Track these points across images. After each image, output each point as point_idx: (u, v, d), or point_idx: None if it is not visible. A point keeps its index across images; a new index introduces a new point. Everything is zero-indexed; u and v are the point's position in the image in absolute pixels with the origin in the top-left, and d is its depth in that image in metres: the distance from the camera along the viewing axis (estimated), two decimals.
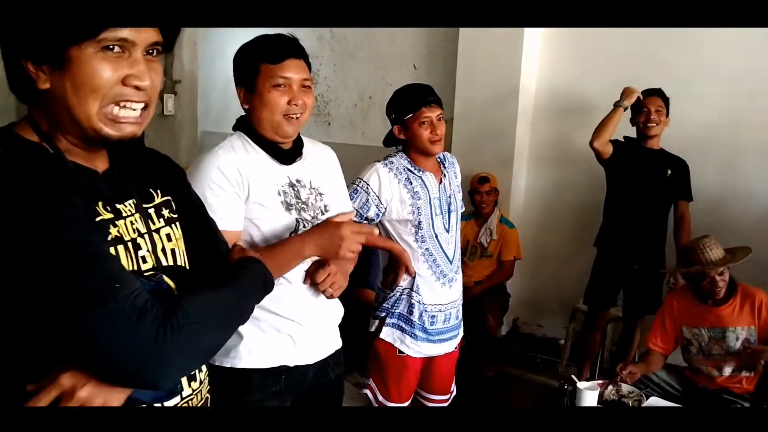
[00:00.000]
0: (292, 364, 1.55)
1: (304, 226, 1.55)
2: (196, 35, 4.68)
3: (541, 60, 3.80)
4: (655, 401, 2.15)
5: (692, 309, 2.57)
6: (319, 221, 1.57)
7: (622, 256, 3.09)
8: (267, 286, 1.13)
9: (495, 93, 3.77)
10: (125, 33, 0.88)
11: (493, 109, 3.79)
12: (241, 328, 1.42)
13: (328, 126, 4.79)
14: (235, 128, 1.59)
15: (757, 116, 3.20)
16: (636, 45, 3.45)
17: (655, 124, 2.98)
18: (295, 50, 1.51)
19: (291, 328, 1.53)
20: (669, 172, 3.03)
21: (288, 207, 1.53)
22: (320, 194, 1.60)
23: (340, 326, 1.72)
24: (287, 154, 1.56)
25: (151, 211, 1.04)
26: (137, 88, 0.91)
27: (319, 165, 1.64)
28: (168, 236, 1.05)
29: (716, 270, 2.41)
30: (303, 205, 1.56)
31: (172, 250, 1.05)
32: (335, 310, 1.67)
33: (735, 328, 2.49)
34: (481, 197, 3.62)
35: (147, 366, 0.84)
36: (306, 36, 4.80)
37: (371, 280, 2.93)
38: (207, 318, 0.92)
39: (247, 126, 1.55)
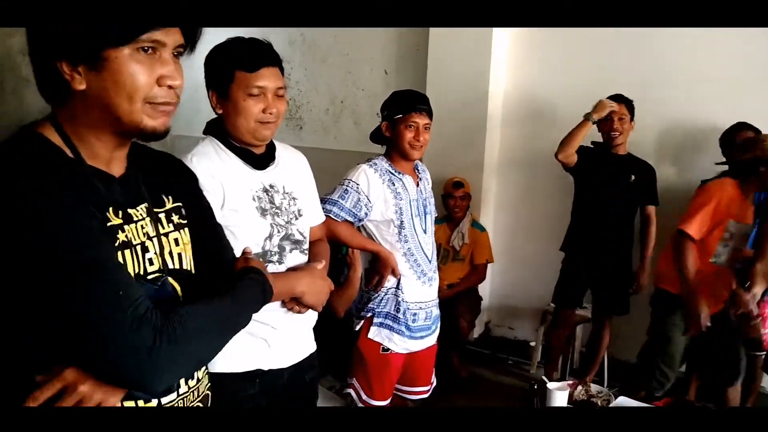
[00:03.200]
0: (266, 368, 1.55)
1: (278, 231, 1.55)
2: None
3: (509, 65, 3.86)
4: (623, 401, 2.19)
5: (741, 204, 2.58)
6: (293, 226, 1.58)
7: (587, 260, 3.16)
8: (266, 296, 1.16)
9: (465, 98, 3.81)
10: (158, 35, 0.92)
11: (464, 113, 3.83)
12: None
13: (299, 130, 4.78)
14: (206, 132, 1.58)
15: (717, 117, 3.28)
16: (603, 50, 3.52)
17: (618, 134, 3.05)
18: (270, 58, 1.51)
19: (265, 332, 1.53)
20: (633, 177, 3.11)
21: (263, 212, 1.53)
22: (293, 199, 1.60)
23: (315, 331, 1.73)
24: (260, 159, 1.56)
25: (162, 215, 1.07)
26: (170, 87, 0.95)
27: (292, 170, 1.64)
28: (176, 240, 1.08)
29: None
30: (277, 210, 1.56)
31: (179, 254, 1.08)
32: (309, 314, 1.66)
33: None
34: (454, 201, 3.66)
35: (142, 373, 0.88)
36: (278, 40, 4.78)
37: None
38: (203, 329, 0.96)
39: (219, 130, 1.54)
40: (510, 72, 3.87)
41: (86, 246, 0.87)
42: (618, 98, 3.06)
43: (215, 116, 1.56)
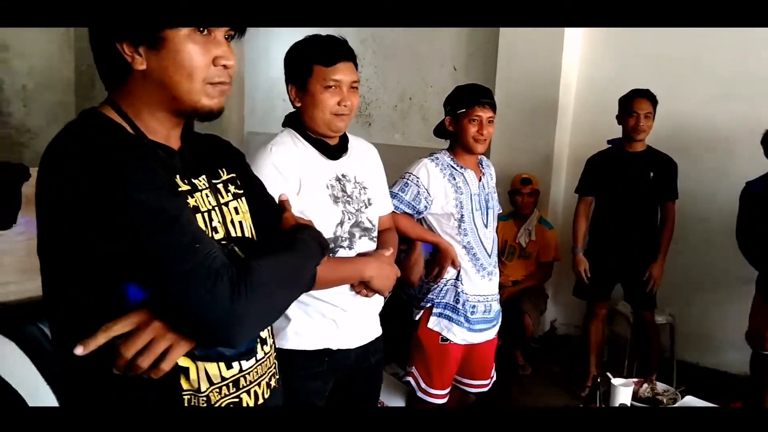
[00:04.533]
0: (335, 347, 1.64)
1: (349, 219, 1.64)
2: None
3: (581, 60, 3.81)
4: (690, 400, 2.15)
5: None
6: (362, 214, 1.66)
7: (614, 257, 3.18)
8: (324, 250, 1.19)
9: (534, 94, 3.80)
10: None
11: (533, 109, 3.82)
12: (289, 312, 1.53)
13: (368, 127, 4.88)
14: (284, 125, 1.68)
15: None
16: (673, 44, 3.44)
17: (642, 131, 3.02)
18: (346, 53, 1.61)
19: (335, 314, 1.62)
20: (652, 174, 3.07)
21: (335, 200, 1.62)
22: (364, 188, 1.68)
23: (381, 319, 1.80)
24: (334, 149, 1.65)
25: (220, 186, 1.12)
26: (225, 67, 0.99)
27: (363, 161, 1.73)
28: (236, 209, 1.12)
29: None
30: (348, 198, 1.64)
31: (240, 223, 1.12)
32: (377, 299, 1.74)
33: None
34: (522, 198, 3.65)
35: (224, 323, 0.90)
36: (349, 39, 4.94)
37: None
38: (276, 278, 0.98)
39: (297, 122, 1.64)
40: (582, 67, 3.82)
41: (167, 200, 0.91)
42: (643, 93, 3.01)
43: (293, 110, 1.66)
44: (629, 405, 2.11)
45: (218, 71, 0.99)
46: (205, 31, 0.97)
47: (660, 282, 3.14)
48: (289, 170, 1.55)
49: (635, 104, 3.02)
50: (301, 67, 1.59)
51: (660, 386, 2.29)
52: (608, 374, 2.29)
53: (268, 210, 1.24)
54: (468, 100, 2.15)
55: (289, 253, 1.08)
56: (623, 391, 2.10)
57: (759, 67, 3.23)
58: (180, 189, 1.00)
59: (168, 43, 0.94)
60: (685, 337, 3.49)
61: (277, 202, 1.30)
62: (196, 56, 0.96)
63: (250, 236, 1.14)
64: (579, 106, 3.86)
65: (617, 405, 2.10)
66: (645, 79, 3.35)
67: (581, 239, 3.26)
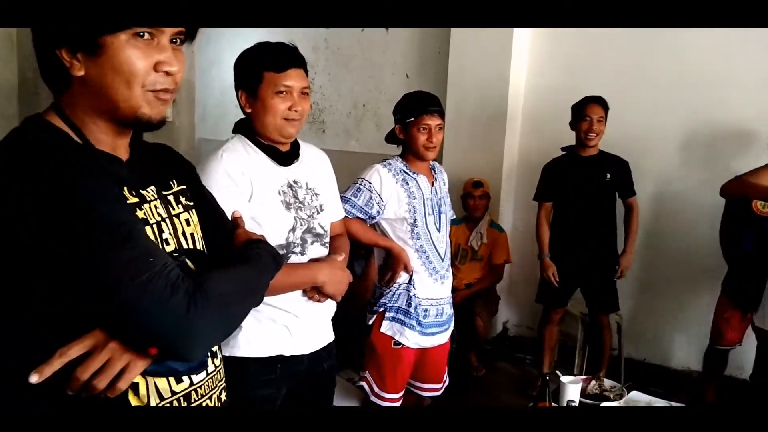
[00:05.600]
0: (287, 354, 1.64)
1: (301, 225, 1.65)
2: (193, 43, 4.78)
3: (530, 67, 3.92)
4: (635, 395, 2.24)
5: None
6: (314, 220, 1.67)
7: (575, 262, 3.25)
8: (277, 263, 1.19)
9: (485, 101, 3.88)
10: None
11: (484, 116, 3.90)
12: None
13: (322, 133, 4.88)
14: (235, 131, 1.68)
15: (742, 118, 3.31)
16: (617, 53, 3.59)
17: (595, 135, 3.13)
18: (296, 60, 1.62)
19: (287, 320, 1.62)
20: (608, 176, 3.19)
21: (287, 206, 1.63)
22: (316, 194, 1.70)
23: (334, 324, 1.81)
24: (285, 156, 1.66)
25: (170, 197, 1.09)
26: (167, 73, 0.96)
27: (315, 167, 1.74)
28: (187, 221, 1.10)
29: None
30: (300, 205, 1.65)
31: (191, 235, 1.10)
32: (329, 304, 1.75)
33: None
34: (474, 201, 3.72)
35: (179, 338, 0.89)
36: (301, 46, 4.87)
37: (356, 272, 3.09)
38: (232, 291, 0.98)
39: (247, 129, 1.64)
40: (530, 73, 3.93)
41: (120, 213, 0.89)
42: (595, 100, 3.13)
43: (243, 117, 1.66)
44: (577, 401, 2.18)
45: (160, 78, 0.95)
46: (147, 36, 0.93)
47: (627, 271, 3.23)
48: (241, 177, 1.55)
49: (588, 109, 3.13)
50: (252, 73, 1.59)
51: (607, 383, 2.38)
52: (557, 372, 2.36)
53: (219, 223, 1.22)
54: (416, 109, 2.18)
55: (244, 266, 1.07)
56: (572, 389, 2.18)
57: (698, 73, 3.39)
58: (128, 201, 0.98)
59: (106, 49, 0.91)
60: (633, 334, 3.62)
61: (228, 215, 1.29)
62: (136, 62, 0.93)
63: (202, 249, 1.12)
64: (528, 112, 3.96)
65: (566, 402, 2.17)
66: (590, 87, 3.48)
67: (547, 245, 3.30)
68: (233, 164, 1.55)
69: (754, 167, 2.49)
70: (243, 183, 1.55)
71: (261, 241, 1.21)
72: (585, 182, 3.19)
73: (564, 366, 3.57)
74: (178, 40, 0.99)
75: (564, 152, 3.32)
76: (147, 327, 0.88)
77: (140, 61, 0.93)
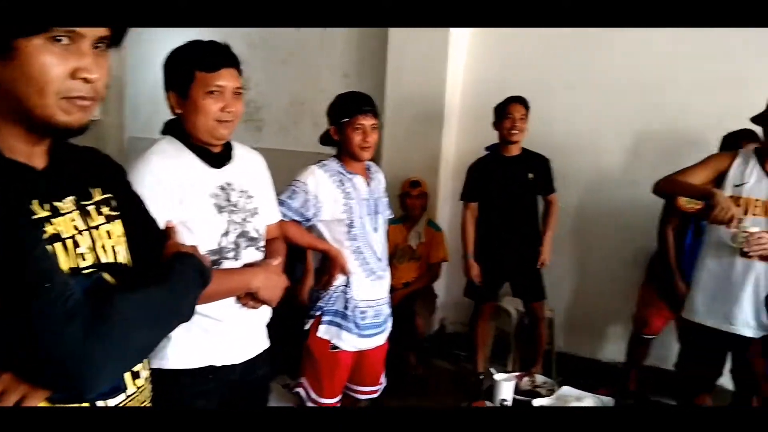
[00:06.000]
0: (219, 364, 1.59)
1: (234, 228, 1.61)
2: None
3: (466, 68, 3.98)
4: (566, 390, 2.31)
5: None
6: (248, 223, 1.64)
7: (502, 258, 3.36)
8: (205, 279, 1.14)
9: (423, 101, 3.92)
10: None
11: (422, 115, 3.94)
12: None
13: (259, 131, 4.80)
14: (164, 132, 1.62)
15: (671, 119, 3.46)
16: (557, 53, 3.69)
17: (518, 131, 3.22)
18: (229, 59, 1.58)
19: (219, 328, 1.58)
20: (530, 175, 3.30)
21: (219, 209, 1.58)
22: (249, 197, 1.66)
23: (270, 330, 1.78)
24: (218, 157, 1.61)
25: (91, 208, 1.03)
26: (86, 80, 0.90)
27: (249, 169, 1.70)
28: (108, 233, 1.05)
29: None
30: (233, 208, 1.61)
31: (113, 247, 1.05)
32: (264, 310, 1.71)
33: None
34: (411, 201, 3.74)
35: (76, 369, 0.84)
36: (237, 43, 4.80)
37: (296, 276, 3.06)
38: (140, 317, 0.93)
39: (178, 130, 1.59)
40: (467, 74, 3.99)
41: (8, 236, 0.83)
42: (517, 99, 3.23)
43: (172, 117, 1.61)
44: (510, 399, 2.24)
45: (78, 85, 0.90)
46: (65, 40, 0.88)
47: (549, 259, 3.32)
48: (170, 180, 1.50)
49: (510, 108, 3.22)
50: (182, 73, 1.54)
51: (539, 378, 2.45)
52: (492, 370, 2.42)
53: (147, 233, 1.17)
54: (350, 109, 2.17)
55: (162, 286, 1.02)
56: (505, 386, 2.24)
57: (637, 76, 3.51)
58: (35, 216, 0.91)
59: (19, 53, 0.86)
60: (564, 328, 3.74)
61: (153, 218, 1.24)
62: (51, 68, 0.87)
63: (126, 262, 1.07)
64: (464, 112, 4.02)
65: (500, 399, 2.23)
66: (524, 87, 3.57)
67: (471, 245, 3.37)
68: (161, 167, 1.50)
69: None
70: (172, 186, 1.49)
71: (189, 255, 1.15)
72: (508, 182, 3.29)
73: (500, 362, 3.67)
74: (102, 45, 0.94)
75: (488, 152, 3.39)
76: (39, 359, 0.83)
77: (56, 67, 0.88)
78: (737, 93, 3.02)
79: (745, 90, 2.76)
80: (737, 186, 2.33)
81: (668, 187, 2.43)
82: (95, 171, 1.10)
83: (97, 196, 1.06)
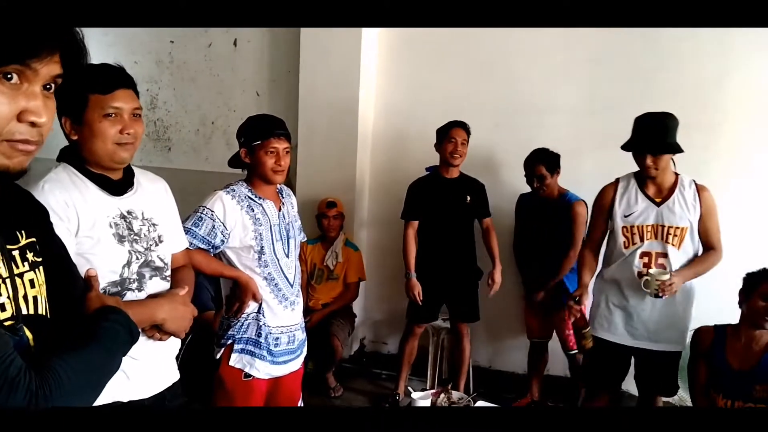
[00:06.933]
0: (125, 399, 1.51)
1: (137, 258, 1.54)
2: None
3: (378, 88, 4.03)
4: (481, 404, 2.36)
5: None
6: (152, 252, 1.57)
7: (440, 279, 3.40)
8: (133, 338, 1.09)
9: (336, 120, 3.92)
10: (30, 61, 0.81)
11: (335, 135, 3.94)
12: None
13: (168, 151, 4.64)
14: (59, 159, 1.54)
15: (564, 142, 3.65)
16: (458, 77, 3.82)
17: (459, 156, 3.32)
18: (124, 80, 1.52)
19: (124, 363, 1.49)
20: (468, 198, 3.40)
21: (120, 239, 1.51)
22: (153, 225, 1.59)
23: (184, 356, 1.71)
24: (117, 185, 1.54)
25: (16, 253, 0.95)
26: (33, 124, 0.84)
27: (152, 195, 1.63)
28: (31, 282, 0.96)
29: None
30: (136, 237, 1.54)
31: (34, 298, 0.96)
32: (172, 342, 1.65)
33: None
34: (328, 221, 3.73)
35: None
36: (144, 60, 4.71)
37: (204, 302, 2.98)
38: (80, 384, 0.90)
39: (73, 157, 1.51)
40: (379, 93, 4.04)
41: None
42: (460, 124, 3.32)
43: (68, 144, 1.52)
44: None
45: (22, 128, 0.83)
46: (15, 79, 0.81)
47: (499, 283, 3.37)
48: (65, 209, 1.41)
49: (453, 132, 3.29)
50: (75, 96, 1.46)
51: (455, 394, 2.49)
52: (409, 388, 2.44)
53: (68, 283, 1.08)
54: (262, 132, 2.12)
55: (95, 348, 0.97)
56: (422, 404, 2.25)
57: (521, 99, 3.70)
58: None
59: None
60: (480, 343, 3.82)
61: (74, 266, 1.16)
62: None
63: (44, 314, 0.98)
64: (378, 133, 4.06)
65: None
66: (431, 111, 3.68)
67: (413, 264, 3.36)
68: (56, 196, 1.41)
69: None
70: (68, 216, 1.41)
71: (116, 311, 1.09)
72: (448, 203, 3.34)
73: (421, 378, 3.70)
74: (52, 86, 0.87)
75: (428, 172, 3.44)
76: None
77: (2, 106, 0.81)
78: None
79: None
80: (627, 216, 2.49)
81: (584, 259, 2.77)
82: (20, 212, 1.01)
83: (23, 240, 0.98)
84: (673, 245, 2.47)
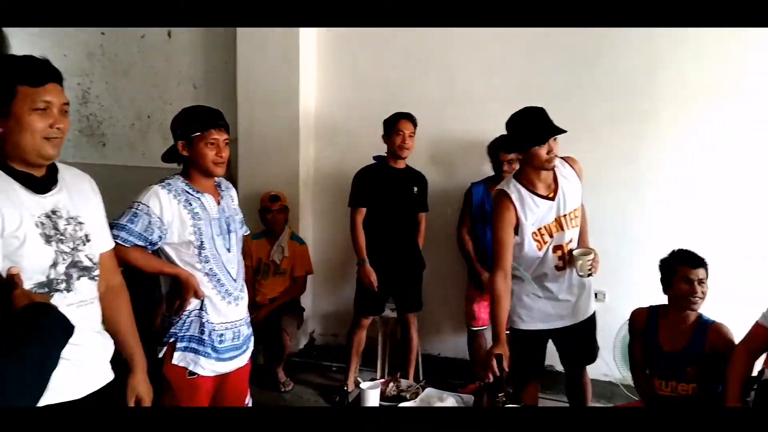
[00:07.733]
0: (54, 402, 1.44)
1: (64, 259, 1.48)
2: None
3: (318, 80, 3.98)
4: (429, 392, 2.38)
5: None
6: (80, 252, 1.52)
7: (388, 270, 3.39)
8: (68, 333, 1.07)
9: (277, 113, 3.86)
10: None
11: (276, 128, 3.88)
12: None
13: (102, 147, 4.48)
14: None
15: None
16: (397, 68, 3.81)
17: (407, 149, 3.32)
18: (55, 74, 1.47)
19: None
20: (415, 189, 3.43)
21: (47, 239, 1.45)
22: (80, 224, 1.53)
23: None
24: (41, 182, 1.48)
25: None
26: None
27: (77, 193, 1.57)
28: None
29: None
30: (61, 237, 1.47)
31: None
32: (106, 343, 1.61)
33: None
34: (272, 215, 3.68)
35: None
36: (74, 53, 4.50)
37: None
38: (26, 381, 0.89)
39: None
40: (320, 87, 3.99)
41: None
42: (407, 116, 3.32)
43: None
44: (378, 405, 2.26)
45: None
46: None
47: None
48: None
49: (400, 124, 3.27)
50: (2, 88, 1.39)
51: (404, 383, 2.50)
52: (358, 379, 2.43)
53: None
54: (202, 123, 2.05)
55: (32, 345, 0.95)
56: (372, 393, 2.25)
57: (462, 90, 3.72)
58: None
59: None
60: (427, 331, 3.85)
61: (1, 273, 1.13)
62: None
63: None
64: (320, 125, 4.01)
65: (367, 407, 2.23)
66: (374, 103, 3.66)
67: (364, 250, 3.34)
68: None
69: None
70: None
71: (48, 306, 1.07)
72: (395, 193, 3.35)
73: (371, 368, 3.71)
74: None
75: (376, 161, 3.42)
76: None
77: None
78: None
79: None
80: (534, 224, 2.48)
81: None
82: None
83: None
84: (574, 227, 2.52)
